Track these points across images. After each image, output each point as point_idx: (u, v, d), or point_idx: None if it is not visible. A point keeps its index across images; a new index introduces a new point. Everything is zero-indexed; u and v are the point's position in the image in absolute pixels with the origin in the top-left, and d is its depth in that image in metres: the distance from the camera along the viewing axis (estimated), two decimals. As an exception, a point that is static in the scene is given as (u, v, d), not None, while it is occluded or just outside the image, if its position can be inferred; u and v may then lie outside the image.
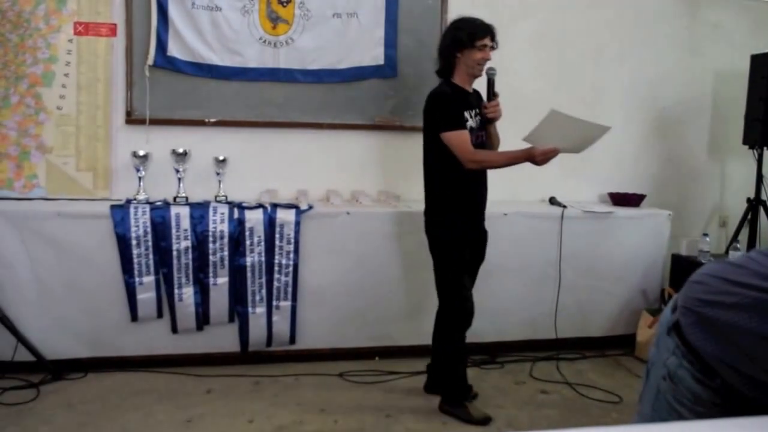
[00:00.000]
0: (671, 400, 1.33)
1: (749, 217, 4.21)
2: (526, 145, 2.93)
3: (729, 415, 1.24)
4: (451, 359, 3.13)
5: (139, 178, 3.57)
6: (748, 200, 4.20)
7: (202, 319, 3.50)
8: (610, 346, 4.01)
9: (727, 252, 4.10)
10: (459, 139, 2.94)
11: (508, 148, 3.05)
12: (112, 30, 3.59)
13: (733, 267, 1.30)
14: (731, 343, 1.23)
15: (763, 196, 4.20)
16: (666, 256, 4.13)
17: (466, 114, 3.02)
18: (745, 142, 4.16)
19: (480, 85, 3.13)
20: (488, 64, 3.06)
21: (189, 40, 3.64)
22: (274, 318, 3.56)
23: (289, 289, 3.55)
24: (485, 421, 3.06)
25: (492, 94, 3.13)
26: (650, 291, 4.07)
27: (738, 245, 3.94)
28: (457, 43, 3.00)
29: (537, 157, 2.91)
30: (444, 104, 2.99)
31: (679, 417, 1.31)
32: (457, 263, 3.07)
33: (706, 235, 3.98)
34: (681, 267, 4.02)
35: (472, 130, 3.02)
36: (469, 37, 2.98)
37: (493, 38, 3.03)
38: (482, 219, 3.19)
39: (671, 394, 1.33)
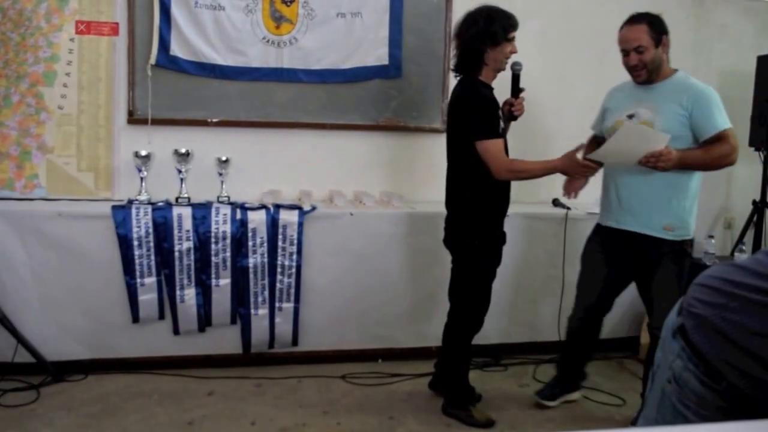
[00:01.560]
0: (676, 402, 1.32)
1: (755, 219, 4.17)
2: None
3: (733, 418, 1.23)
4: (455, 360, 3.12)
5: (141, 179, 3.55)
6: (754, 202, 4.17)
7: (204, 320, 3.49)
8: (614, 348, 3.97)
9: (732, 254, 4.07)
10: (496, 149, 2.81)
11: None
12: (114, 29, 3.58)
13: (736, 269, 1.30)
14: (735, 345, 1.22)
15: (769, 198, 4.17)
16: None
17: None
18: (751, 144, 4.12)
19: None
20: (513, 58, 2.94)
21: (192, 40, 3.62)
22: (277, 320, 3.54)
23: (292, 291, 3.53)
24: (489, 423, 3.05)
25: (518, 89, 3.01)
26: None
27: (743, 247, 3.90)
28: (491, 37, 2.81)
29: (574, 165, 2.82)
30: (483, 110, 2.82)
31: (684, 420, 1.30)
32: (484, 269, 2.99)
33: (711, 237, 3.95)
34: (686, 269, 3.98)
35: (502, 131, 2.92)
36: (504, 30, 2.83)
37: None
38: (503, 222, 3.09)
39: (676, 397, 1.32)
